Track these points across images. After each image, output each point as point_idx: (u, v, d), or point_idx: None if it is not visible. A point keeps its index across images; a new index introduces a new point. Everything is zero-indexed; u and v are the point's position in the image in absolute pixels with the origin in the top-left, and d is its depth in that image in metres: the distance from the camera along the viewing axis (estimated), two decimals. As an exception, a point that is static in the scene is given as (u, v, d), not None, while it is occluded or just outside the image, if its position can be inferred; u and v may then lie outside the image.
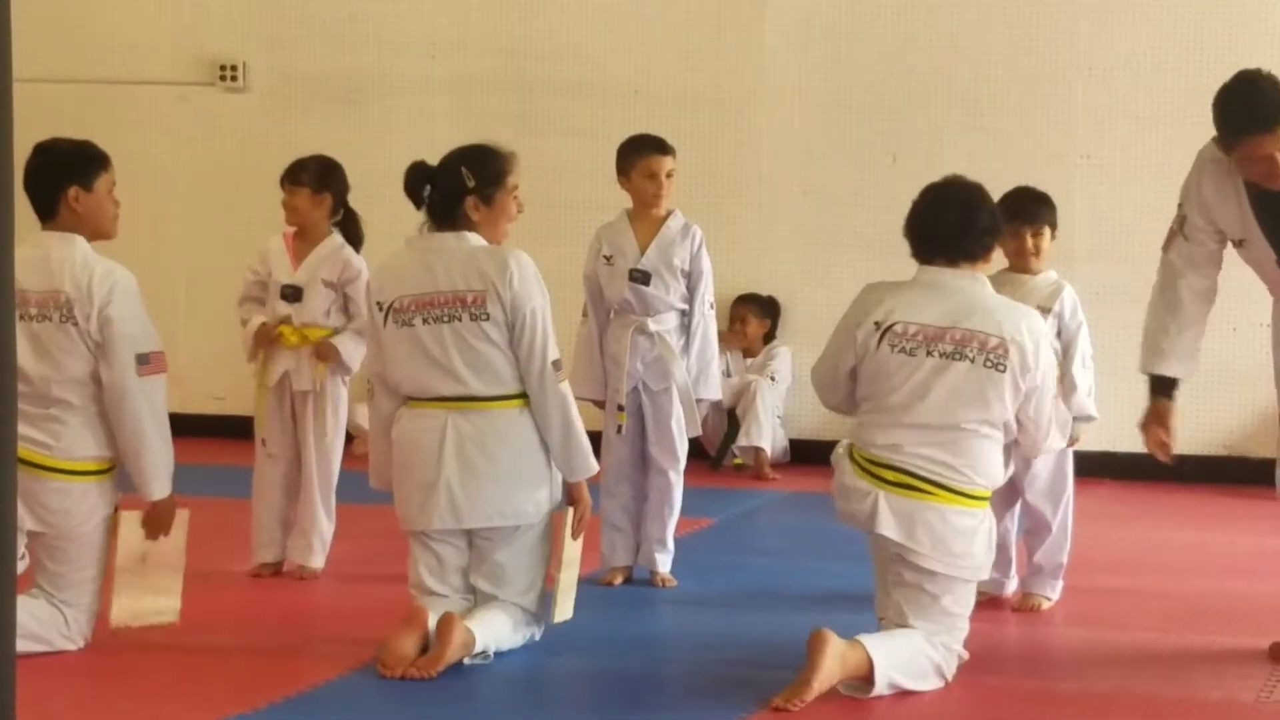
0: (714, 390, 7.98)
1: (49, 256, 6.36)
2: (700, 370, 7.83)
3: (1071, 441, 7.32)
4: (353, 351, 7.85)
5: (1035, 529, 7.49)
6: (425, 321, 6.47)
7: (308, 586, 7.75)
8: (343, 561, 7.93)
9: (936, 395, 6.06)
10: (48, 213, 6.44)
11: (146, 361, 6.37)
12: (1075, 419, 7.32)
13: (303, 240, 7.98)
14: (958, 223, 6.17)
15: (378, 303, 6.55)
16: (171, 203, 12.31)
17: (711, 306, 7.91)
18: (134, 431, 6.37)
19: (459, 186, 6.52)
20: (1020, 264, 7.45)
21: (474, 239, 6.54)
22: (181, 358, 11.31)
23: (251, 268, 8.06)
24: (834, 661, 5.79)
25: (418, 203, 6.59)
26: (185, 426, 11.65)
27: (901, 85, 11.37)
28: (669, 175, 7.82)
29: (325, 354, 7.85)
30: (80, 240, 6.44)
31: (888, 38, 11.43)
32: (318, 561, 7.87)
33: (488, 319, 6.43)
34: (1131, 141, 11.12)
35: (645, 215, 7.88)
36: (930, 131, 11.14)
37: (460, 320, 6.44)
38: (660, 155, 7.83)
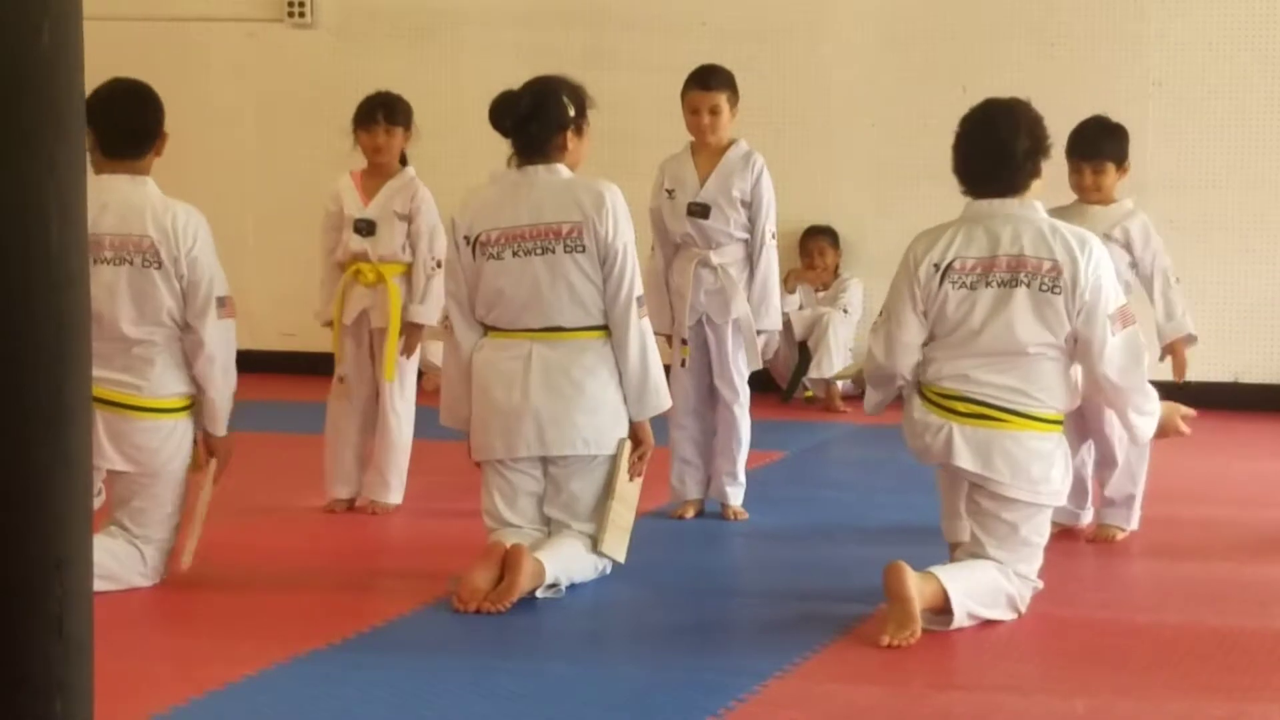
0: (774, 321, 7.91)
1: (121, 199, 6.37)
2: (760, 301, 7.77)
3: (1178, 370, 7.30)
4: (433, 315, 7.85)
5: (1104, 461, 7.44)
6: (515, 254, 6.46)
7: (380, 521, 7.78)
8: (415, 497, 7.96)
9: (999, 323, 6.03)
10: (134, 153, 6.43)
11: (223, 305, 6.46)
12: (1178, 340, 7.29)
13: (373, 176, 7.97)
14: (999, 156, 6.11)
15: (464, 236, 6.54)
16: (240, 140, 12.35)
17: (773, 236, 7.83)
18: (202, 373, 6.46)
19: (562, 118, 6.50)
20: (1082, 198, 7.41)
21: (564, 171, 6.53)
22: (251, 295, 11.36)
23: (326, 210, 8.05)
24: (916, 592, 5.78)
25: (506, 132, 6.53)
26: (255, 363, 11.76)
27: (971, 14, 11.29)
28: (714, 111, 7.69)
29: (411, 343, 7.88)
30: (150, 181, 6.48)
31: (957, -34, 11.35)
32: (395, 498, 7.90)
33: (583, 251, 6.43)
34: (1205, 69, 11.02)
35: (705, 146, 7.82)
36: (1000, 61, 11.06)
37: (554, 253, 6.44)
38: (701, 91, 7.74)
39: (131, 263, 6.36)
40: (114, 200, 6.34)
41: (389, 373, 7.84)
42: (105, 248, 6.31)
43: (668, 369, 7.53)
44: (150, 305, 6.38)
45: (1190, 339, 7.37)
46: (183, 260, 6.38)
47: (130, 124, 6.44)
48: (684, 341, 7.79)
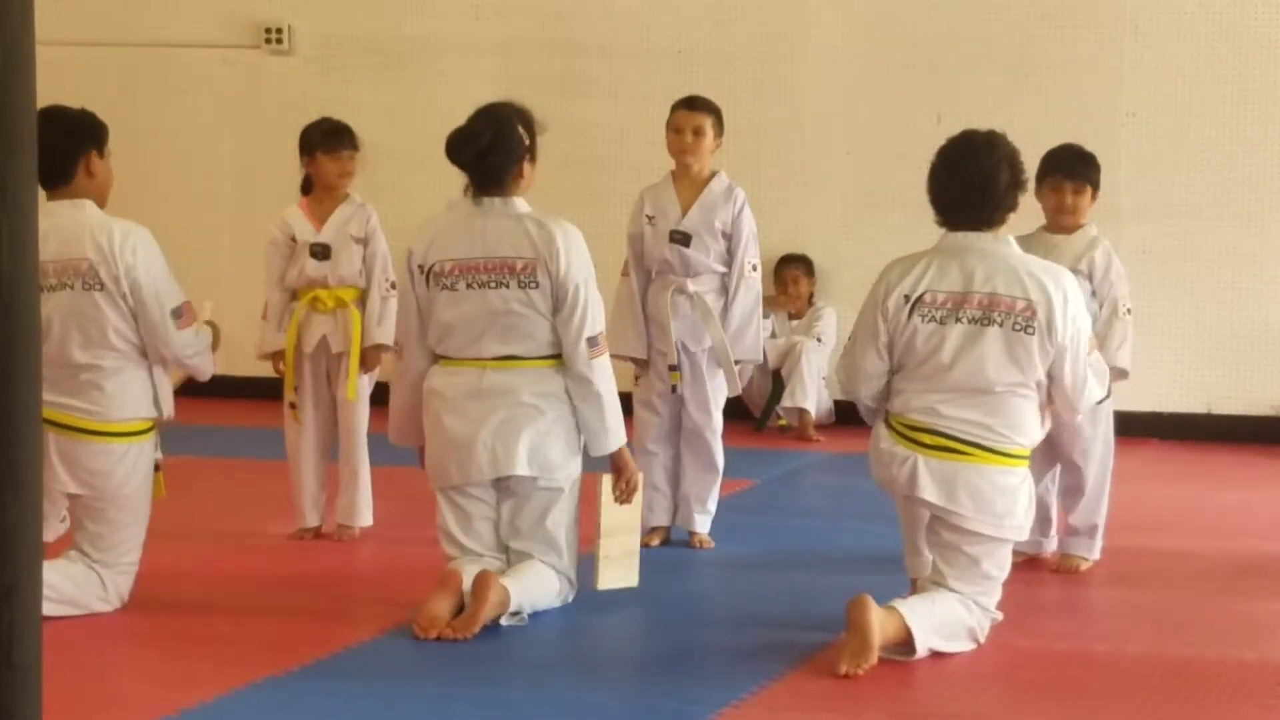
0: (751, 352, 7.90)
1: (62, 224, 6.32)
2: (738, 332, 7.78)
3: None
4: (391, 336, 7.73)
5: (1070, 489, 7.45)
6: (470, 286, 6.48)
7: (344, 547, 7.76)
8: (379, 523, 7.94)
9: (969, 361, 6.03)
10: (61, 179, 6.39)
11: (180, 315, 6.47)
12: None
13: (322, 202, 7.93)
14: (980, 189, 6.10)
15: (418, 265, 6.56)
16: (217, 166, 12.35)
17: (754, 269, 7.84)
18: (183, 370, 6.59)
19: (519, 148, 6.53)
20: (1057, 221, 7.39)
21: (521, 205, 6.56)
22: (228, 320, 11.25)
23: (273, 239, 7.95)
24: (877, 626, 5.78)
25: (465, 166, 6.52)
26: (231, 389, 11.78)
27: (946, 44, 11.31)
28: (697, 132, 7.71)
29: (371, 364, 7.87)
30: (89, 204, 6.46)
31: (931, -4, 11.39)
32: (365, 519, 7.88)
33: (536, 287, 6.45)
34: (1178, 99, 11.04)
35: (687, 176, 7.84)
36: (975, 90, 11.08)
37: (508, 287, 6.46)
38: (686, 110, 7.77)
39: (72, 287, 6.36)
40: (55, 226, 6.25)
41: (350, 392, 7.81)
42: (49, 274, 6.28)
43: (625, 395, 7.56)
44: (95, 328, 6.38)
45: (1121, 373, 7.24)
46: (123, 280, 6.38)
47: (41, 153, 6.38)
48: (673, 368, 7.79)
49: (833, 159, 11.56)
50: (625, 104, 11.45)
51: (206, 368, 6.69)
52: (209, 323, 6.73)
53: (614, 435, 6.56)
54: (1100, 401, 6.58)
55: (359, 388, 7.87)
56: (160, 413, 6.54)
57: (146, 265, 6.42)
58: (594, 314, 6.53)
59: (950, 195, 6.15)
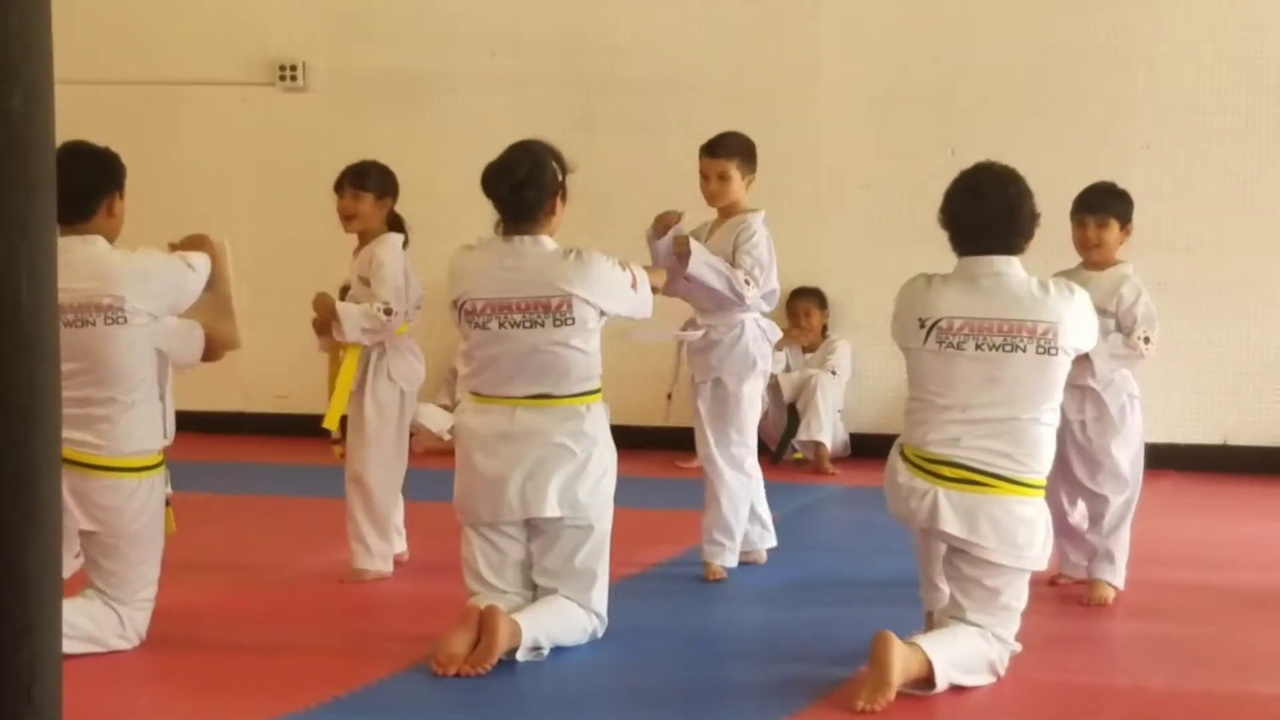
0: (698, 267, 7.62)
1: (75, 261, 6.29)
2: (705, 262, 7.62)
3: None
4: (351, 329, 7.67)
5: (1095, 518, 7.47)
6: (502, 325, 6.48)
7: (368, 583, 7.72)
8: (395, 559, 7.94)
9: (997, 390, 6.03)
10: (81, 216, 6.41)
11: (209, 285, 6.66)
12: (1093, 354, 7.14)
13: (360, 242, 7.92)
14: (1006, 216, 6.12)
15: (453, 300, 6.59)
16: (232, 203, 12.37)
17: (747, 283, 7.72)
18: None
19: (553, 183, 6.52)
20: (1085, 256, 7.45)
21: (548, 243, 6.54)
22: (244, 358, 11.34)
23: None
24: (900, 662, 5.78)
25: (500, 198, 6.49)
26: (249, 425, 11.81)
27: (959, 78, 11.32)
28: (721, 177, 7.74)
29: (320, 311, 7.72)
30: (100, 239, 6.47)
31: (945, 30, 11.39)
32: (359, 563, 7.76)
33: (572, 324, 6.46)
34: (1192, 132, 11.04)
35: (722, 215, 7.87)
36: (989, 124, 11.08)
37: (543, 326, 6.46)
38: (709, 158, 7.80)
39: (94, 324, 6.36)
40: (69, 262, 6.22)
41: (328, 419, 7.72)
42: (66, 310, 6.27)
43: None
44: (110, 364, 6.37)
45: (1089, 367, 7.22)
46: (154, 301, 6.42)
47: (65, 188, 6.38)
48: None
49: (846, 192, 11.56)
50: (639, 139, 11.45)
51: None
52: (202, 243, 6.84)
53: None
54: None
55: (381, 431, 7.80)
56: (167, 438, 6.55)
57: (162, 281, 6.49)
58: (625, 291, 6.57)
59: (972, 218, 6.13)
